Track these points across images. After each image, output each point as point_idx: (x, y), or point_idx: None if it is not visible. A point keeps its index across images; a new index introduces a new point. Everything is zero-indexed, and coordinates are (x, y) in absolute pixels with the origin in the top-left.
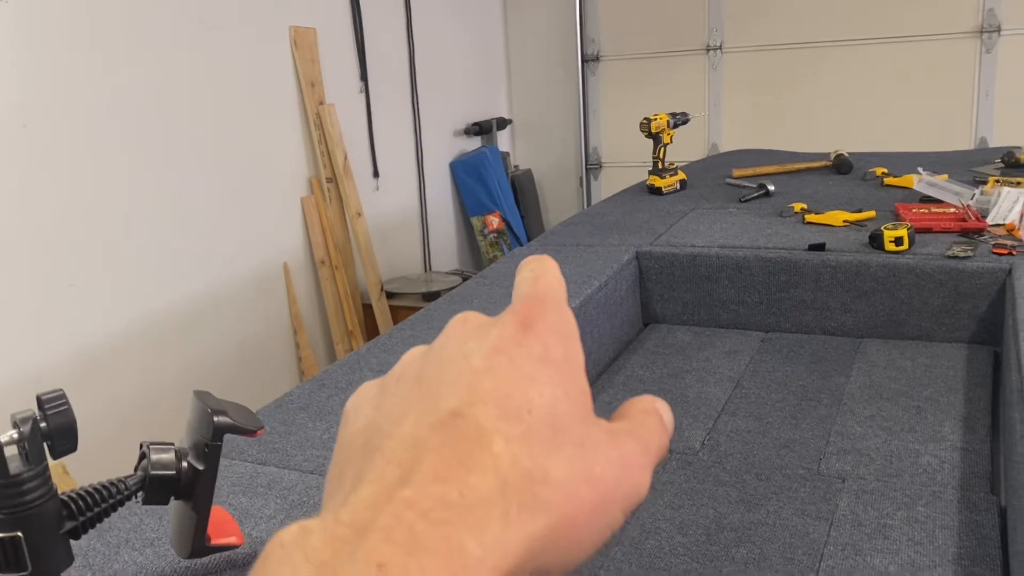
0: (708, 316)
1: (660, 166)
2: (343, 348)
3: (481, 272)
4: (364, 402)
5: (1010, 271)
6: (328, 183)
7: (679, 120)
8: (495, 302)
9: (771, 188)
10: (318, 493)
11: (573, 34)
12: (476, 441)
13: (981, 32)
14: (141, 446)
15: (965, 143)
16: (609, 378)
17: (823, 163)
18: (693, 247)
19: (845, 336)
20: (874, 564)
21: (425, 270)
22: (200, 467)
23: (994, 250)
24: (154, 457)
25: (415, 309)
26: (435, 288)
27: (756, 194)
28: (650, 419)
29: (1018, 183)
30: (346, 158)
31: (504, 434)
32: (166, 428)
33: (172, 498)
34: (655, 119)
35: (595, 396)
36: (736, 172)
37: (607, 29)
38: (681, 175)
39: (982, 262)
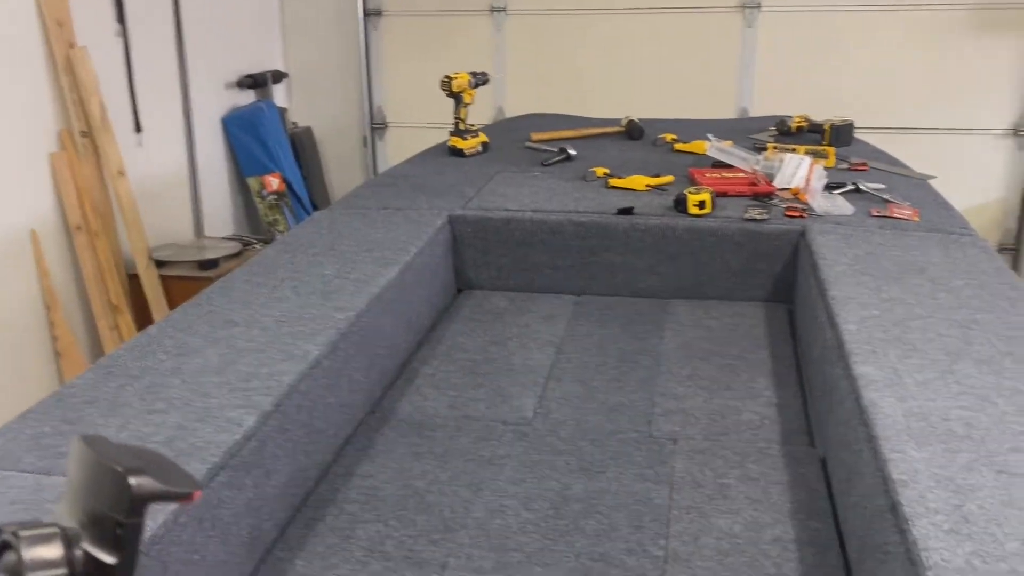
0: (522, 281)
1: (461, 127)
2: (107, 324)
3: (281, 239)
4: None
5: (803, 233)
6: (83, 137)
7: (480, 80)
8: (299, 271)
9: (572, 152)
10: None
11: None
12: None
13: (743, 7)
14: (0, 532)
15: (729, 112)
16: (431, 348)
17: (616, 129)
18: (507, 211)
19: (653, 297)
20: (720, 525)
21: (197, 235)
22: (110, 560)
23: (787, 213)
24: (29, 554)
25: (189, 278)
26: (210, 255)
27: (558, 158)
28: None
29: (793, 149)
30: (103, 109)
31: None
32: None
33: None
34: (456, 78)
35: (417, 368)
36: (534, 136)
37: None
38: (483, 137)
39: (777, 225)
